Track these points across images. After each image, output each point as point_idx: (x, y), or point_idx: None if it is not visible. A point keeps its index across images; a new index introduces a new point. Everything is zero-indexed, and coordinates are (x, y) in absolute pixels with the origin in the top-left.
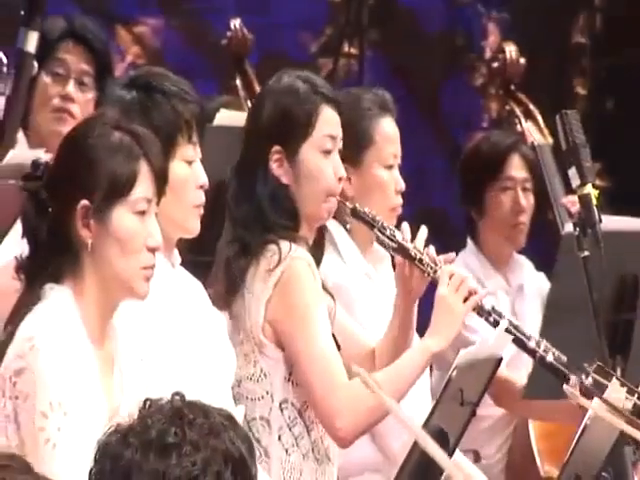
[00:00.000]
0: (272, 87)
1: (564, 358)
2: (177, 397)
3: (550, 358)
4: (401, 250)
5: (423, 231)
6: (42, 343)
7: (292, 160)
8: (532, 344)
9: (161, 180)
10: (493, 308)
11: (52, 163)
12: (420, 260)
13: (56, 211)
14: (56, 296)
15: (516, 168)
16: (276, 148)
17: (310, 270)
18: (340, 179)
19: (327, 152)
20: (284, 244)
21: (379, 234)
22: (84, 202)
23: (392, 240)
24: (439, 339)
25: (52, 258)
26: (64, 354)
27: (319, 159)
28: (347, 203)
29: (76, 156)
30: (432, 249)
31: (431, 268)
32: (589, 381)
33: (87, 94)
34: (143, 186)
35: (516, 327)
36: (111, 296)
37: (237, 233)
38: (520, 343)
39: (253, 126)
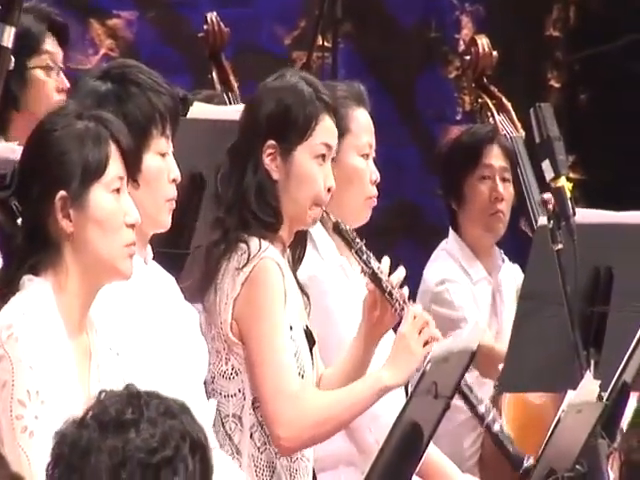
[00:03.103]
0: (274, 84)
1: (509, 432)
2: (131, 386)
3: (497, 428)
4: (374, 278)
5: (401, 271)
6: (20, 331)
7: (285, 159)
8: (482, 409)
9: (131, 159)
10: None
11: (19, 165)
12: (390, 293)
13: (32, 211)
14: (34, 287)
15: (494, 157)
16: (271, 142)
17: (278, 270)
18: (329, 190)
19: (321, 159)
20: (253, 242)
21: (356, 256)
22: (62, 193)
23: (367, 266)
24: (394, 374)
25: (30, 257)
26: (42, 343)
27: (312, 165)
28: (331, 216)
29: (45, 151)
30: (405, 291)
31: (399, 305)
32: (530, 462)
33: (62, 76)
34: (114, 165)
35: (469, 387)
36: (94, 283)
37: (220, 216)
38: (470, 405)
39: (251, 118)
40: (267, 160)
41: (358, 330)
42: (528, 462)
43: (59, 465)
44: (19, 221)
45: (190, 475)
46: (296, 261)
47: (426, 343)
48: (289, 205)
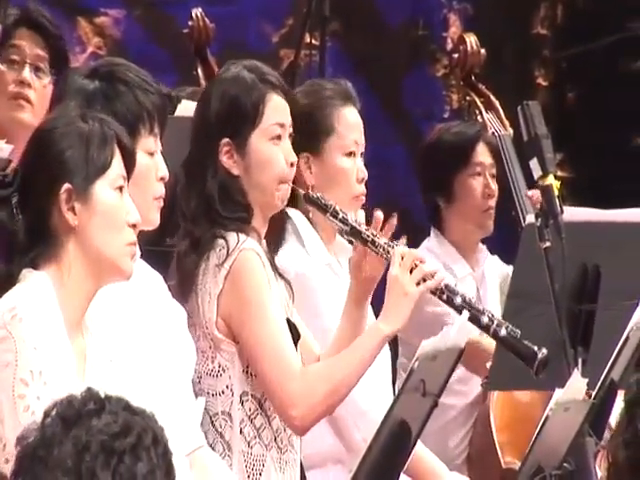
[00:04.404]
0: (219, 78)
1: (517, 332)
2: (92, 389)
3: (503, 332)
4: (354, 233)
5: (378, 215)
6: (24, 313)
7: (242, 151)
8: (485, 319)
9: (130, 159)
10: (447, 286)
11: (21, 164)
12: (373, 242)
13: (35, 205)
14: (34, 279)
15: (483, 154)
16: (225, 140)
17: (259, 260)
18: (292, 164)
19: (277, 139)
20: (231, 237)
21: (331, 218)
22: (67, 185)
23: (345, 223)
24: (391, 321)
25: (31, 251)
26: (45, 326)
27: (269, 147)
28: (299, 189)
29: (47, 149)
30: (393, 221)
31: (384, 250)
32: (543, 352)
33: (43, 80)
34: (118, 164)
35: (469, 303)
36: (95, 281)
37: (187, 228)
38: (473, 318)
39: (201, 119)
40: (224, 159)
41: (349, 290)
42: (541, 353)
43: (23, 462)
44: (19, 219)
45: (153, 467)
46: (272, 249)
47: (419, 282)
48: (256, 193)
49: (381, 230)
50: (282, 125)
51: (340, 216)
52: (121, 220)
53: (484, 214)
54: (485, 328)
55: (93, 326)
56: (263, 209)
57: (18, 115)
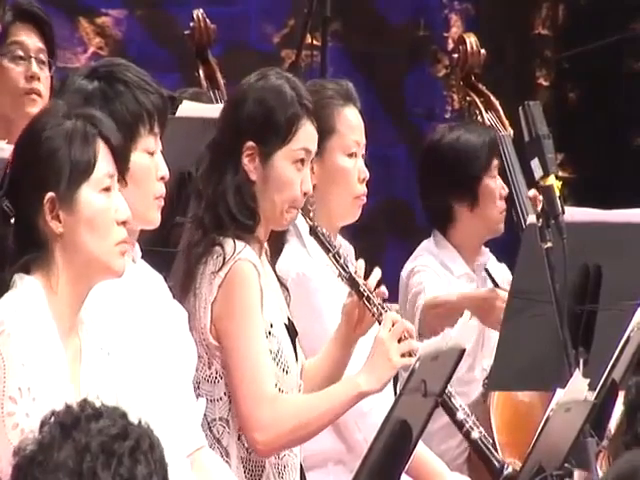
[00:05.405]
0: (258, 84)
1: (490, 439)
2: (88, 399)
3: (475, 435)
4: (351, 283)
5: (377, 272)
6: (12, 328)
7: (264, 161)
8: (460, 416)
9: (121, 156)
10: None
11: (10, 166)
12: (368, 298)
13: (22, 211)
14: (25, 285)
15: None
16: (250, 144)
17: (254, 271)
18: (305, 194)
19: (300, 163)
20: (228, 245)
21: (333, 260)
22: (50, 195)
23: (344, 270)
24: (371, 380)
25: (21, 256)
26: (34, 340)
27: (291, 170)
28: (307, 219)
29: (34, 152)
30: (384, 289)
31: (377, 310)
32: (509, 471)
33: (45, 72)
34: (103, 163)
35: (449, 396)
36: (86, 283)
37: (198, 212)
38: (449, 411)
39: (231, 115)
40: (245, 160)
41: (336, 332)
42: (507, 470)
43: (22, 468)
44: (11, 221)
45: (151, 471)
46: (274, 250)
47: (404, 354)
48: (266, 206)
49: (375, 289)
50: (308, 151)
51: (341, 261)
52: (109, 222)
53: (500, 216)
54: (459, 425)
55: (88, 321)
56: (269, 222)
57: (32, 110)
